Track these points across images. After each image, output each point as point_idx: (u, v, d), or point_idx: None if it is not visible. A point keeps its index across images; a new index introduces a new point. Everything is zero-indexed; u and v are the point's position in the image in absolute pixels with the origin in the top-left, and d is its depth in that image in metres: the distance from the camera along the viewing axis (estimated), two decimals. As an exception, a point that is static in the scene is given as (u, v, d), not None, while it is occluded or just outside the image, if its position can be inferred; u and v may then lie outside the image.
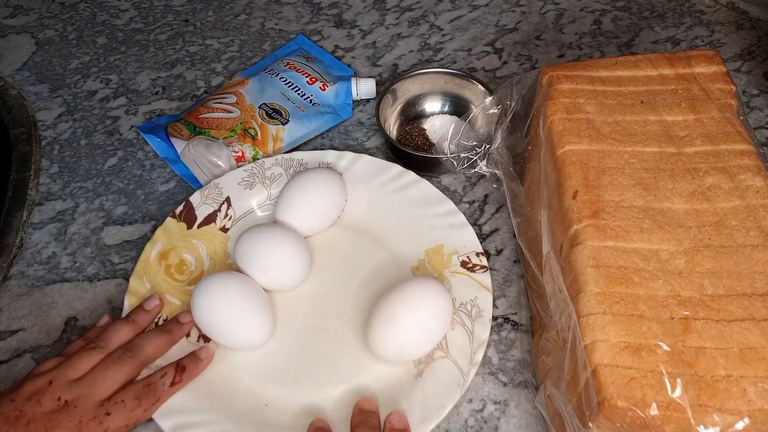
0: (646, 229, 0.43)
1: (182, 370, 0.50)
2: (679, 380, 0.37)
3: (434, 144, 0.66)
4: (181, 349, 0.52)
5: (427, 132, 0.67)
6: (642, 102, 0.50)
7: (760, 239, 0.42)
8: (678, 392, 0.36)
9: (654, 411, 0.36)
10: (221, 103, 0.68)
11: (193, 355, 0.52)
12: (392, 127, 0.68)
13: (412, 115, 0.70)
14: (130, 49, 0.80)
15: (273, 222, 0.59)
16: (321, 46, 0.78)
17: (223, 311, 0.51)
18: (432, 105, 0.70)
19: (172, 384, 0.49)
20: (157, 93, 0.75)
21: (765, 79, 0.71)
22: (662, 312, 0.39)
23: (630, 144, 0.48)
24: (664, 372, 0.37)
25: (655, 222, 0.43)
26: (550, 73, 0.53)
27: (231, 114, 0.67)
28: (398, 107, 0.69)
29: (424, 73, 0.68)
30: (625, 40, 0.76)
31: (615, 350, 0.38)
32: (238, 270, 0.55)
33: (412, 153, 0.63)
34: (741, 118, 0.49)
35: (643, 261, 0.42)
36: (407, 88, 0.68)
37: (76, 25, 0.84)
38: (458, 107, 0.69)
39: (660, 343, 0.38)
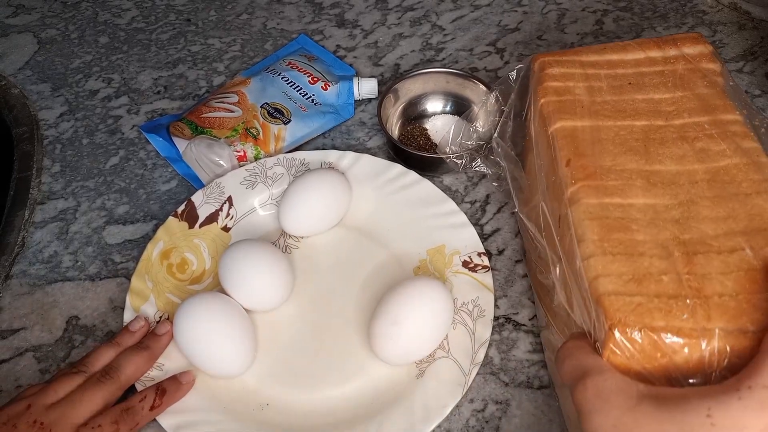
0: (640, 186, 0.43)
1: (162, 393, 0.49)
2: (687, 301, 0.36)
3: (436, 144, 0.66)
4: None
5: (428, 132, 0.67)
6: (630, 83, 0.51)
7: (754, 188, 0.42)
8: (687, 315, 0.36)
9: (667, 336, 0.35)
10: (223, 102, 0.68)
11: (174, 379, 0.50)
12: (394, 127, 0.68)
13: (413, 115, 0.70)
14: (132, 48, 0.80)
15: (255, 239, 0.58)
16: (323, 46, 0.78)
17: (202, 339, 0.50)
18: (434, 105, 0.70)
19: (152, 408, 0.48)
20: (158, 92, 0.75)
21: (767, 80, 0.71)
22: (663, 251, 0.39)
23: (619, 119, 0.48)
24: (671, 295, 0.37)
25: (648, 181, 0.44)
26: (542, 59, 0.54)
27: (233, 113, 0.67)
28: (400, 107, 0.69)
29: (425, 72, 0.68)
30: (626, 39, 0.76)
31: (619, 282, 0.38)
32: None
33: (413, 153, 0.63)
34: (730, 83, 0.49)
35: (639, 213, 0.42)
36: (409, 88, 0.68)
37: (78, 24, 0.84)
38: (460, 107, 0.69)
39: (664, 273, 0.38)
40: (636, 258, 0.39)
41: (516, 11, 0.81)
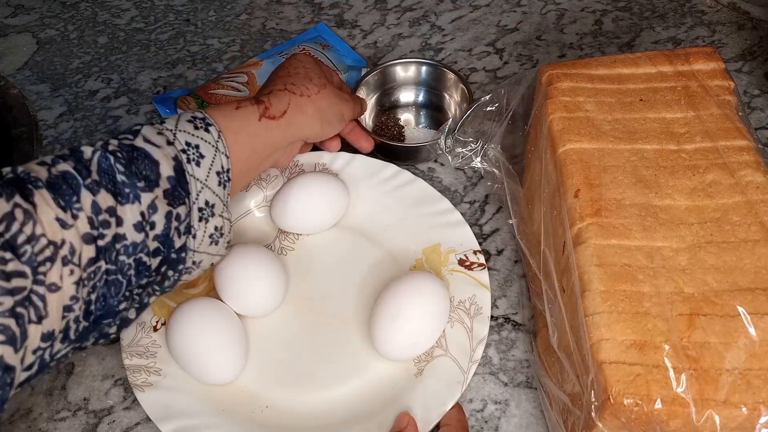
0: (648, 226, 0.43)
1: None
2: (683, 375, 0.37)
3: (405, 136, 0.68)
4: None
5: (401, 121, 0.69)
6: (641, 100, 0.50)
7: (762, 234, 0.42)
8: (682, 387, 0.36)
9: (658, 405, 0.36)
10: (233, 81, 0.69)
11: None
12: (368, 118, 0.69)
13: (387, 105, 0.70)
14: (131, 48, 0.80)
15: (248, 243, 0.56)
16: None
17: (189, 348, 0.50)
18: (407, 95, 0.71)
19: None
20: (158, 93, 0.75)
21: (766, 80, 0.71)
22: (667, 309, 0.39)
23: (630, 142, 0.48)
24: (669, 367, 0.37)
25: (657, 219, 0.43)
26: (550, 72, 0.53)
27: (239, 93, 0.68)
28: (373, 98, 0.70)
29: (397, 63, 0.69)
30: (626, 40, 0.76)
31: (621, 348, 0.38)
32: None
33: (386, 142, 0.64)
34: (740, 114, 0.49)
35: (646, 258, 0.42)
36: (382, 79, 0.69)
37: (77, 24, 0.84)
38: (432, 96, 0.70)
39: (665, 339, 0.38)
40: (640, 319, 0.39)
41: (515, 11, 0.81)
